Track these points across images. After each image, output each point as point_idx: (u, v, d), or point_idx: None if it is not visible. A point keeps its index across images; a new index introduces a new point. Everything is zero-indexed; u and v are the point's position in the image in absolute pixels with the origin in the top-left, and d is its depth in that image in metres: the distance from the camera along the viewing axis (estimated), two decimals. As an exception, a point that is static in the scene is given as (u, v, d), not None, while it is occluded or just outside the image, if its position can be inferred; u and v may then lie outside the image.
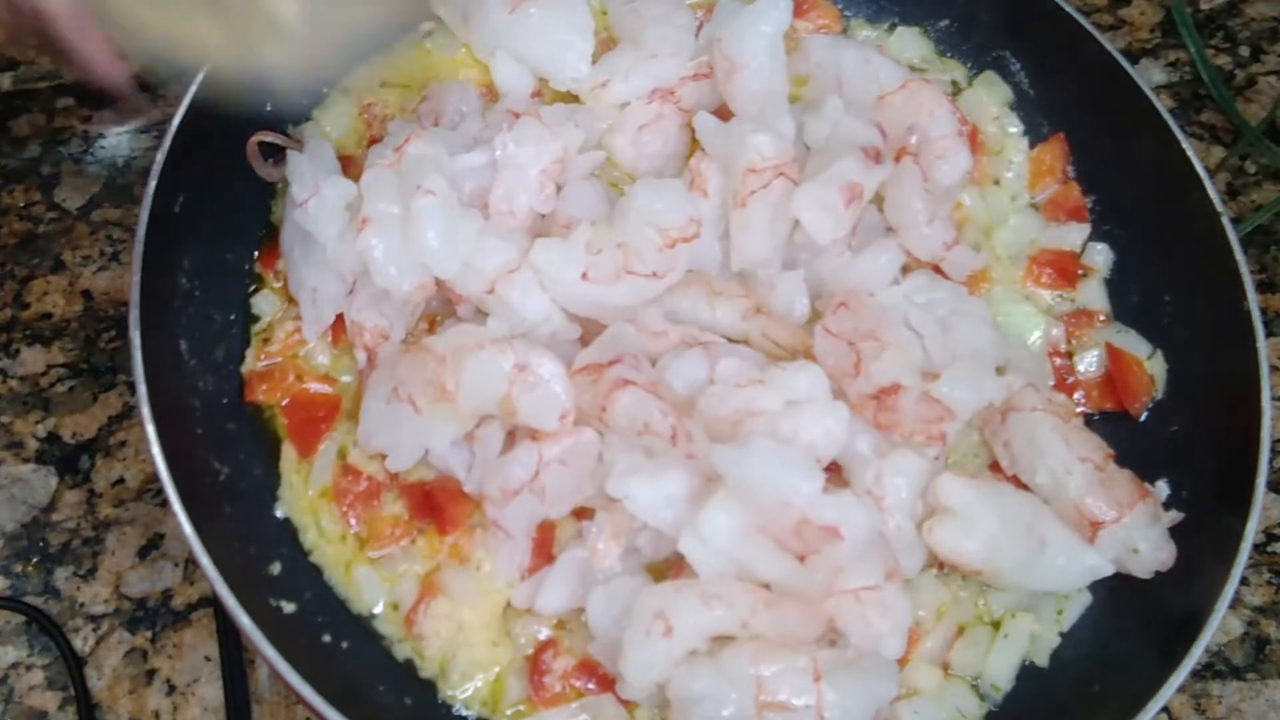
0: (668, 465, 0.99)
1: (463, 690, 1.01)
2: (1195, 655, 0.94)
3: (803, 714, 0.91)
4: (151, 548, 1.18)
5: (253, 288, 1.16)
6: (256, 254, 1.18)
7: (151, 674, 1.11)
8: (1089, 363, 1.19)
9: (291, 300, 1.14)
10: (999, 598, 1.07)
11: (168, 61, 0.97)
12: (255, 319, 1.15)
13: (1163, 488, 1.09)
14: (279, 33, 0.96)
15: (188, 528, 0.91)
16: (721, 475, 0.94)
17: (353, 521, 1.06)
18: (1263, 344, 1.07)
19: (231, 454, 1.07)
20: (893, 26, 1.38)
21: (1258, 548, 1.25)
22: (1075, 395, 1.18)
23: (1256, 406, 1.04)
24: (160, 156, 1.04)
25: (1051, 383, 1.18)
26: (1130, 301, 1.22)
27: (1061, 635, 1.07)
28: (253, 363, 1.12)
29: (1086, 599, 1.07)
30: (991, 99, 1.32)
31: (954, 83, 1.34)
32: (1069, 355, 1.20)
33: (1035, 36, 1.30)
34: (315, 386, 1.12)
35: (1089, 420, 1.15)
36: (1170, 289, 1.19)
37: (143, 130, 1.43)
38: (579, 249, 1.06)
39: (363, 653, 1.02)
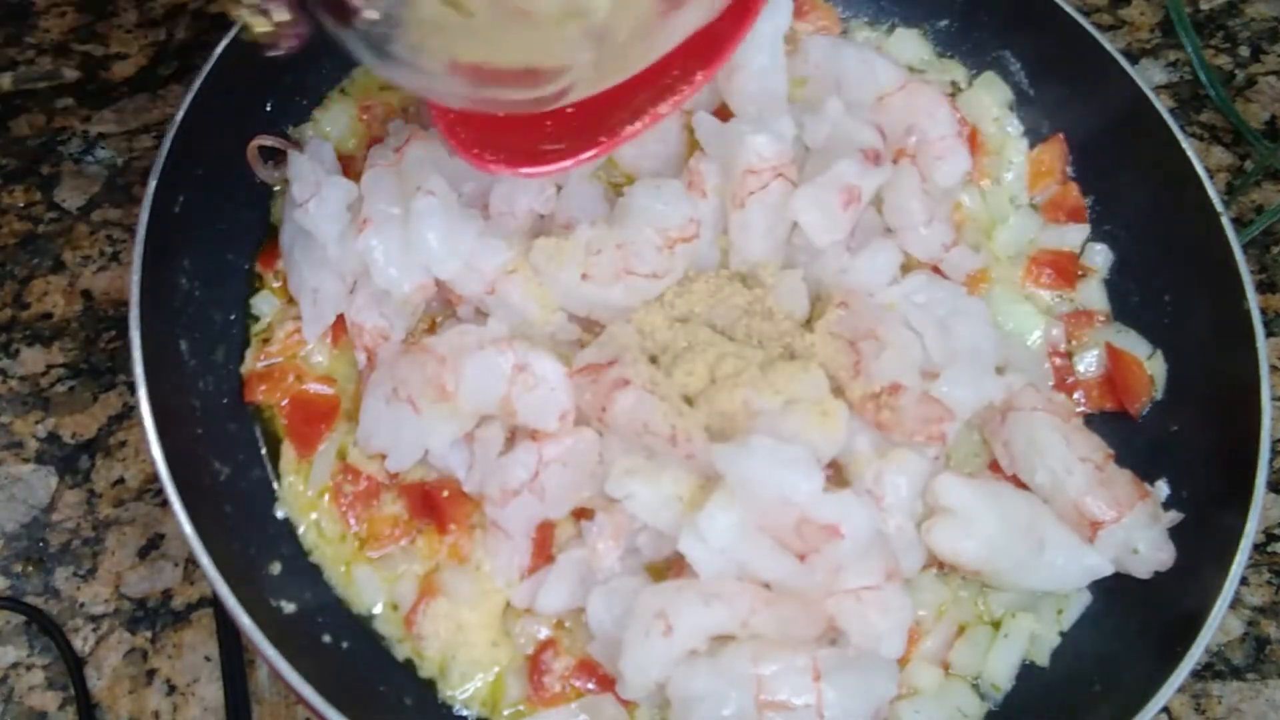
0: (668, 465, 0.99)
1: (462, 690, 1.01)
2: (1195, 655, 0.94)
3: (803, 713, 0.91)
4: (151, 548, 1.18)
5: (253, 288, 1.16)
6: (257, 254, 1.18)
7: (151, 674, 1.11)
8: (1089, 363, 1.19)
9: (291, 300, 1.14)
10: (999, 597, 1.07)
11: None
12: (255, 319, 1.15)
13: (1163, 488, 1.10)
14: None
15: (188, 528, 0.91)
16: (721, 474, 0.94)
17: (352, 521, 1.06)
18: (1263, 344, 1.07)
19: (231, 454, 1.07)
20: (892, 28, 1.38)
21: (1258, 548, 1.25)
22: (1075, 395, 1.18)
23: (1256, 406, 1.04)
24: (160, 156, 1.04)
25: (1051, 383, 1.18)
26: (1130, 301, 1.22)
27: (1062, 635, 1.07)
28: (253, 363, 1.12)
29: (1086, 599, 1.07)
30: (991, 99, 1.32)
31: (954, 83, 1.34)
32: (1069, 355, 1.20)
33: (1035, 36, 1.30)
34: (315, 387, 1.12)
35: (1089, 420, 1.15)
36: (1170, 289, 1.19)
37: (143, 130, 1.43)
38: (579, 249, 1.06)
39: (363, 653, 1.02)
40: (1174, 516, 1.06)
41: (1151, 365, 1.18)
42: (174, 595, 1.15)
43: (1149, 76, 1.58)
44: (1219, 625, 0.95)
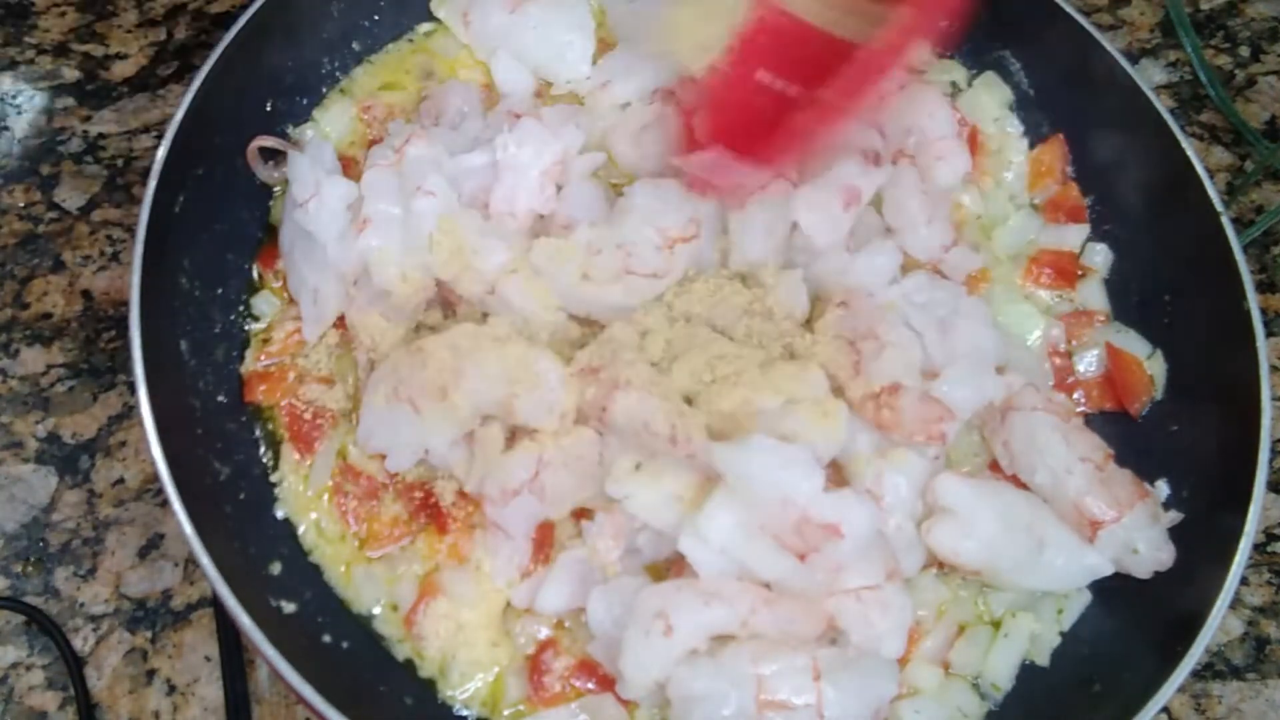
0: (668, 465, 0.99)
1: (462, 690, 1.01)
2: (1195, 655, 0.94)
3: (803, 713, 0.91)
4: (151, 548, 1.18)
5: (253, 288, 1.16)
6: (256, 254, 1.18)
7: (151, 674, 1.11)
8: (1089, 363, 1.19)
9: (291, 300, 1.14)
10: (999, 597, 1.07)
11: None
12: (255, 319, 1.15)
13: (1163, 488, 1.10)
14: None
15: (188, 528, 0.91)
16: (721, 474, 0.94)
17: (352, 521, 1.06)
18: (1263, 344, 1.07)
19: (231, 454, 1.07)
20: (892, 27, 1.38)
21: (1258, 548, 1.26)
22: (1075, 395, 1.18)
23: (1256, 406, 1.04)
24: (160, 156, 1.04)
25: (1051, 383, 1.18)
26: (1130, 301, 1.22)
27: (1062, 635, 1.07)
28: (252, 363, 1.12)
29: (1086, 598, 1.07)
30: (991, 99, 1.32)
31: (954, 83, 1.34)
32: (1069, 355, 1.20)
33: (1035, 37, 1.30)
34: (315, 387, 1.12)
35: (1089, 420, 1.15)
36: (1170, 289, 1.19)
37: (143, 130, 1.43)
38: (579, 249, 1.06)
39: (363, 653, 1.02)
40: (1174, 516, 1.06)
41: (1151, 365, 1.18)
42: (174, 595, 1.15)
43: (1149, 76, 1.58)
44: (1219, 625, 0.95)
